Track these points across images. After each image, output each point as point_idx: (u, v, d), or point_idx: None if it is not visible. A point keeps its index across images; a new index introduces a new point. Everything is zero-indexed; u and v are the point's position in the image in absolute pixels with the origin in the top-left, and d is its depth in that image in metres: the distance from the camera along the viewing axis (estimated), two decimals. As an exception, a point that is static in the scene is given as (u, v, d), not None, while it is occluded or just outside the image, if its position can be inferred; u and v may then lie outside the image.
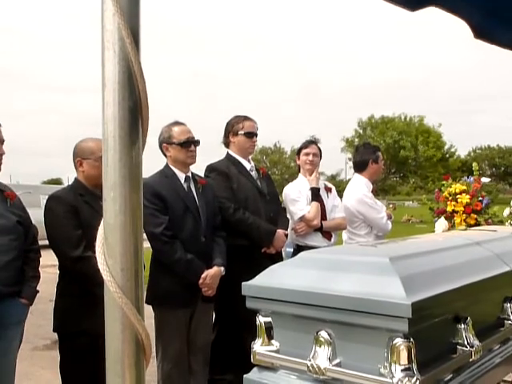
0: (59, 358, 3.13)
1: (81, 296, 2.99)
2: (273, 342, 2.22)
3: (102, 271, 0.74)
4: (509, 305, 2.55)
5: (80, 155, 3.14)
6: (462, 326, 2.13)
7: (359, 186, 4.64)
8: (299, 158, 4.56)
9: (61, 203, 3.04)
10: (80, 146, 3.17)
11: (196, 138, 3.56)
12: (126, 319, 0.74)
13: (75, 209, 3.00)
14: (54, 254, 3.06)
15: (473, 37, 2.29)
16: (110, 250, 0.74)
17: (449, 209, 5.76)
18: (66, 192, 3.16)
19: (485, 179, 6.49)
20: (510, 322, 2.52)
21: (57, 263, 3.11)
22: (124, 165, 0.74)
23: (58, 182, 77.63)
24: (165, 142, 3.53)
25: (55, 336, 3.15)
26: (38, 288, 3.07)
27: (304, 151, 4.51)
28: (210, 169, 4.02)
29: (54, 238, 3.04)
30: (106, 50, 0.74)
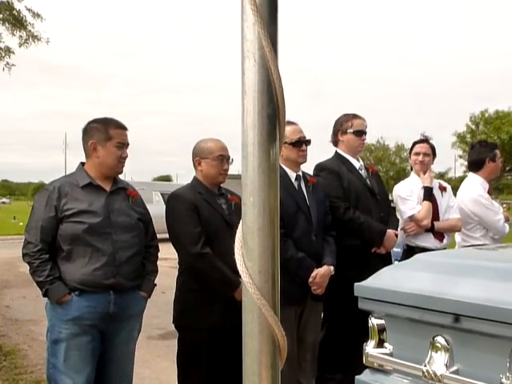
0: (176, 349, 3.27)
1: (198, 292, 3.11)
2: (386, 344, 2.20)
3: (241, 273, 0.77)
4: None
5: (199, 155, 3.26)
6: None
7: (475, 186, 4.43)
8: (410, 156, 4.45)
9: (182, 201, 3.17)
10: (199, 146, 3.28)
11: (307, 138, 3.58)
12: (264, 320, 0.77)
13: (195, 207, 3.11)
14: (173, 248, 3.20)
15: None
16: (249, 253, 0.77)
17: None
18: (186, 190, 3.28)
19: None
20: None
21: (168, 257, 3.24)
22: (263, 171, 0.76)
23: (167, 178, 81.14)
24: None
25: (169, 326, 3.27)
26: (154, 281, 3.22)
27: (414, 150, 4.39)
28: (320, 168, 4.01)
29: (175, 234, 3.18)
30: (246, 59, 0.77)
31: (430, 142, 4.46)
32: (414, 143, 4.43)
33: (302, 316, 3.54)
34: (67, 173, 3.30)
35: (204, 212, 3.13)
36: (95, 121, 2.99)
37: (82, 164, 3.03)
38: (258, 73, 0.76)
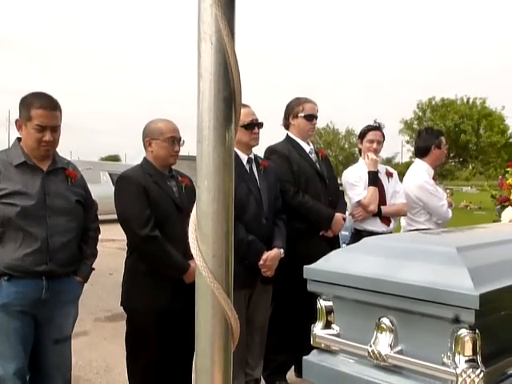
0: (124, 332, 3.24)
1: (147, 274, 3.07)
2: (333, 326, 2.24)
3: (194, 257, 0.77)
4: None
5: (149, 135, 3.19)
6: (530, 319, 2.08)
7: (420, 172, 4.55)
8: (362, 143, 4.47)
9: (131, 183, 3.11)
10: (149, 127, 3.22)
11: (260, 121, 3.59)
12: (217, 303, 0.77)
13: (144, 188, 3.06)
14: (121, 229, 3.15)
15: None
16: (203, 237, 0.77)
17: (512, 197, 5.59)
18: (135, 172, 3.21)
19: (551, 166, 6.24)
20: None
21: (116, 238, 3.19)
22: (218, 155, 0.76)
23: (116, 158, 79.60)
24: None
25: (117, 309, 3.21)
26: (98, 261, 3.12)
27: (368, 138, 4.41)
28: (271, 151, 4.02)
29: (124, 216, 3.12)
30: (202, 41, 0.76)
31: (382, 129, 4.53)
32: (367, 130, 4.45)
33: (251, 298, 3.57)
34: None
35: (153, 194, 3.08)
36: (26, 96, 2.77)
37: (19, 140, 2.81)
38: (214, 56, 0.76)
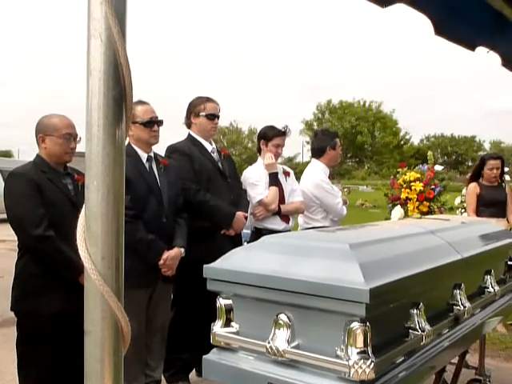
0: (16, 337, 3.08)
1: (41, 276, 2.95)
2: (233, 324, 2.26)
3: (83, 259, 0.75)
4: (458, 291, 2.66)
5: (43, 131, 3.05)
6: (415, 311, 2.22)
7: (317, 172, 4.71)
8: (266, 145, 4.47)
9: (23, 180, 2.96)
10: (43, 122, 3.08)
11: (159, 118, 3.54)
12: (107, 306, 0.76)
13: (38, 186, 2.93)
14: (11, 229, 3.00)
15: (433, 34, 2.37)
16: (92, 238, 0.75)
17: (403, 196, 5.93)
18: (28, 168, 3.06)
19: (438, 167, 6.70)
20: (458, 307, 2.63)
21: (6, 238, 3.05)
22: (108, 154, 0.74)
23: (7, 154, 75.15)
24: (127, 120, 3.48)
25: (6, 313, 3.07)
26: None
27: (275, 142, 4.42)
28: (172, 149, 3.99)
29: (15, 216, 2.96)
30: (92, 38, 0.74)
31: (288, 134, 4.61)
32: (275, 134, 4.45)
33: (151, 298, 3.52)
34: None
35: (47, 192, 2.95)
36: None
37: None
38: (104, 54, 0.74)
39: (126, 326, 0.78)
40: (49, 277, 2.94)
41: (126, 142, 3.56)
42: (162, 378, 3.79)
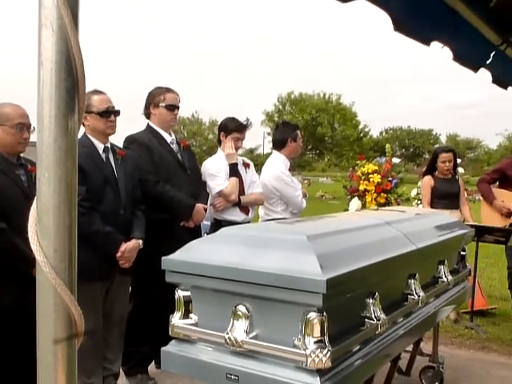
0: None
1: None
2: (191, 315, 2.27)
3: (34, 252, 0.74)
4: (413, 281, 2.73)
5: None
6: (371, 300, 2.27)
7: (277, 164, 4.74)
8: (225, 136, 4.46)
9: None
10: None
11: (116, 108, 3.48)
12: (60, 299, 0.75)
13: None
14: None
15: (393, 29, 2.41)
16: (44, 231, 0.74)
17: (361, 188, 6.04)
18: None
19: (395, 160, 6.84)
20: (413, 297, 2.70)
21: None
22: (59, 146, 0.73)
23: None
24: (83, 110, 3.42)
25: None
26: None
27: (235, 135, 4.43)
28: (130, 140, 3.94)
29: None
30: (43, 27, 0.73)
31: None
32: (237, 128, 4.46)
33: (109, 291, 3.48)
34: None
35: (0, 183, 2.87)
36: None
37: None
38: (56, 44, 0.73)
39: (80, 319, 0.78)
40: (0, 270, 2.86)
41: (82, 132, 3.51)
42: (121, 370, 3.76)
